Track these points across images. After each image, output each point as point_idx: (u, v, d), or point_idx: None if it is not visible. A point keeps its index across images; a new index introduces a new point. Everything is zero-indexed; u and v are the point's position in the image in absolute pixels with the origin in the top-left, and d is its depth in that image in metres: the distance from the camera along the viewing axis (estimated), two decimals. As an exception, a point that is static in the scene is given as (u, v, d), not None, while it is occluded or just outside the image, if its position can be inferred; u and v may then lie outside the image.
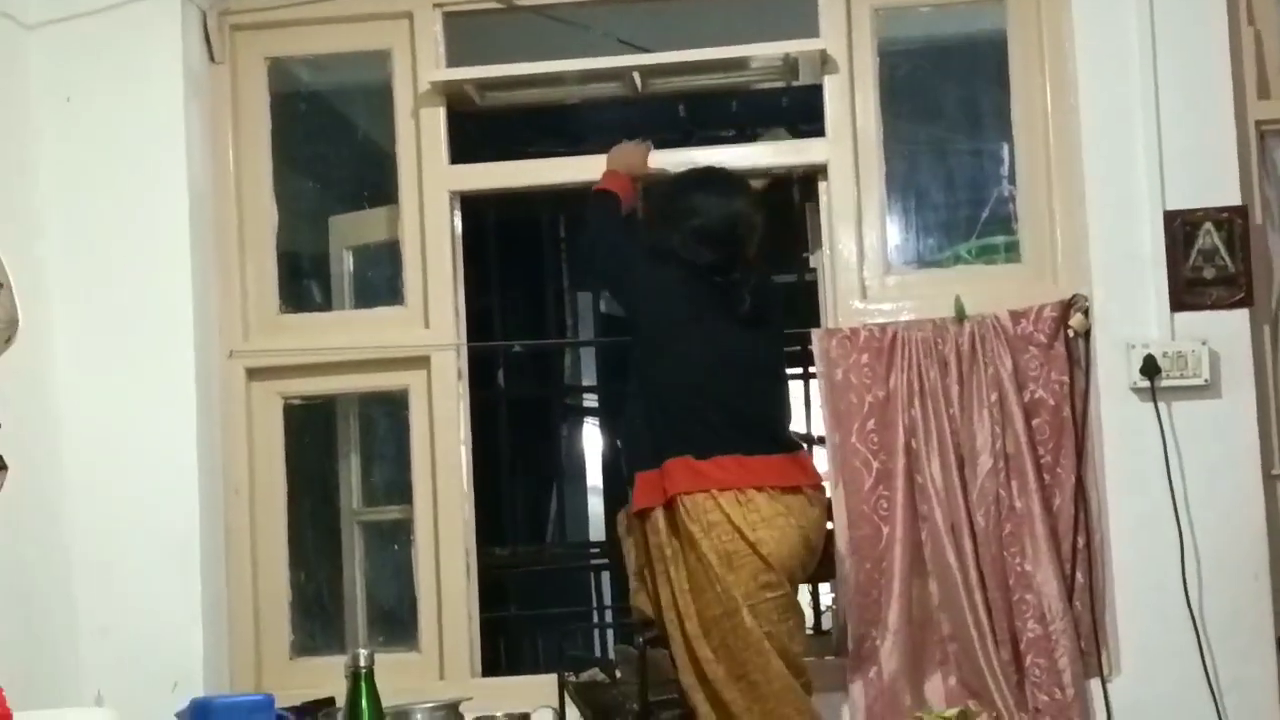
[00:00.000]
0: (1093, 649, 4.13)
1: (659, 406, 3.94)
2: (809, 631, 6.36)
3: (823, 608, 6.49)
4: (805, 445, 4.37)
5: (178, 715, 2.87)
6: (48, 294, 4.17)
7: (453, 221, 4.53)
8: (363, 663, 2.95)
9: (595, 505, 7.68)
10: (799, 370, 7.58)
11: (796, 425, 7.46)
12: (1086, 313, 4.18)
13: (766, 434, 3.99)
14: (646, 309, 4.03)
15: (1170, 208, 4.13)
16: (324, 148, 5.04)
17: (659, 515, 3.90)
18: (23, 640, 3.87)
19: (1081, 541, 4.15)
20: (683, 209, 4.04)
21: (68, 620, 4.14)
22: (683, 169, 4.25)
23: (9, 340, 3.52)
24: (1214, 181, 4.13)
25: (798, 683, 3.84)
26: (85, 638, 4.16)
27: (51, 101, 4.27)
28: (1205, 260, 4.11)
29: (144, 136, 4.29)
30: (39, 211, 4.21)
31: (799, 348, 4.74)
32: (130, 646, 4.13)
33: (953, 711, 4.03)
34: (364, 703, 2.93)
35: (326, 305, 4.89)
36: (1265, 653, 4.05)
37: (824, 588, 6.09)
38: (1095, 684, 4.12)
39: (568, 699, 4.13)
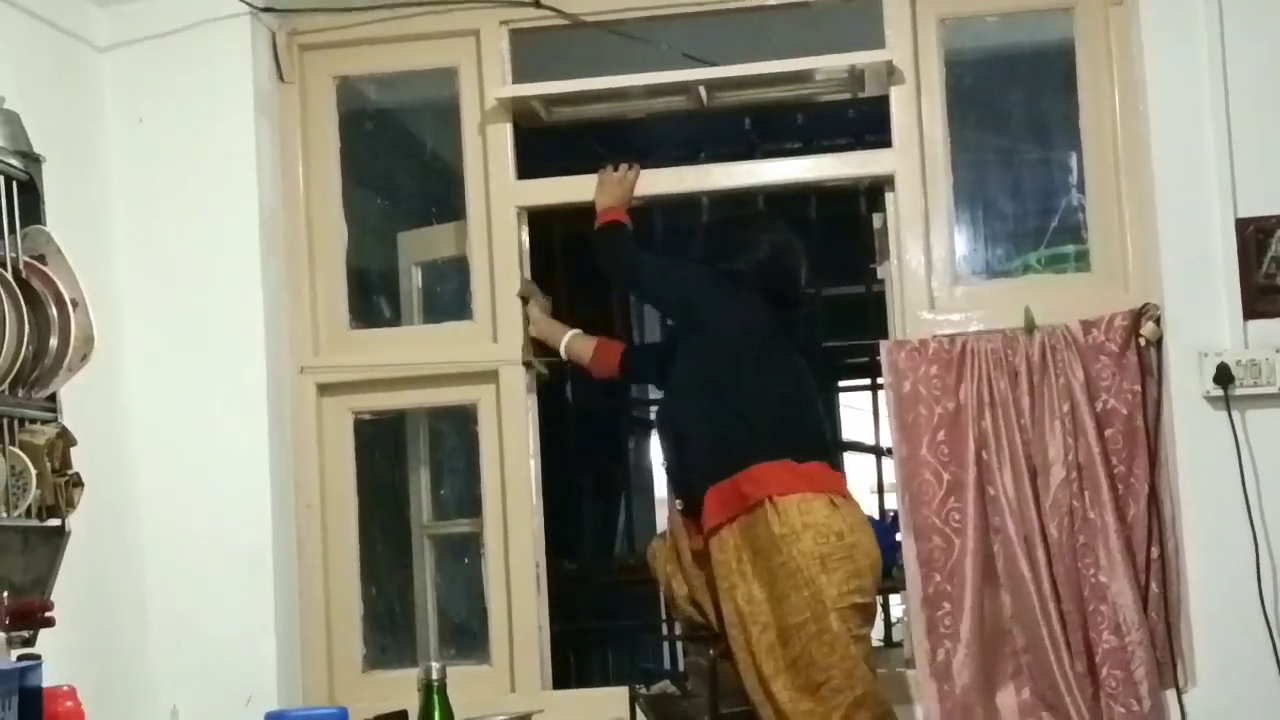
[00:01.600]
0: (1168, 659, 4.09)
1: (741, 415, 3.97)
2: (879, 644, 6.36)
3: (893, 619, 6.47)
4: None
5: (253, 729, 2.90)
6: (121, 312, 4.22)
7: (520, 236, 4.55)
8: (435, 675, 2.98)
9: (663, 517, 7.68)
10: (866, 381, 7.57)
11: (865, 436, 7.44)
12: (1158, 321, 4.15)
13: (831, 451, 4.08)
14: (729, 323, 4.07)
15: (1242, 214, 4.09)
16: (392, 164, 5.07)
17: (726, 531, 3.90)
18: (99, 655, 3.90)
19: (1156, 552, 4.11)
20: (762, 243, 4.18)
21: (142, 634, 4.18)
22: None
23: (85, 358, 3.56)
24: (1287, 188, 4.10)
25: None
26: (160, 652, 4.20)
27: (124, 123, 4.31)
28: (1278, 267, 4.07)
29: (215, 156, 4.33)
30: (112, 231, 4.26)
31: (866, 359, 4.73)
32: (204, 660, 4.16)
33: (1027, 724, 4.01)
34: (436, 715, 2.96)
35: (396, 320, 4.91)
36: (1343, 663, 4.01)
37: (894, 599, 6.07)
38: (1171, 695, 4.08)
39: (638, 711, 4.13)
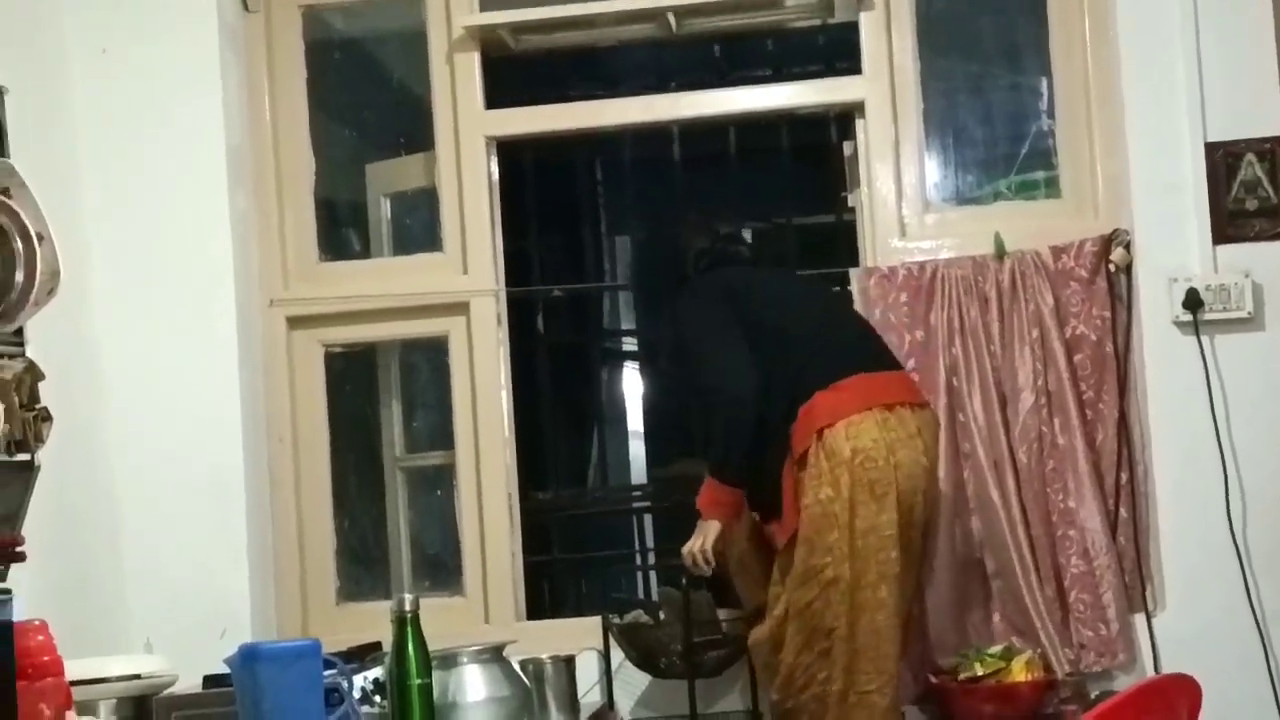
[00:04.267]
0: (1137, 584, 4.12)
1: (772, 373, 3.77)
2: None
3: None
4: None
5: (226, 661, 2.89)
6: (88, 246, 4.19)
7: (489, 167, 4.52)
8: (408, 607, 2.97)
9: (636, 449, 7.69)
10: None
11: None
12: (1128, 247, 4.15)
13: (876, 350, 3.91)
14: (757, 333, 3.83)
15: (1211, 139, 4.09)
16: (359, 95, 5.03)
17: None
18: (71, 589, 3.90)
19: (1125, 477, 4.14)
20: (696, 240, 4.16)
21: (115, 569, 4.17)
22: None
23: (52, 292, 3.51)
24: (1255, 112, 4.09)
25: (895, 641, 3.75)
26: (133, 586, 4.19)
27: (87, 53, 4.26)
28: (1247, 192, 4.07)
29: (180, 87, 4.29)
30: (77, 163, 4.22)
31: (837, 288, 4.72)
32: (178, 594, 4.16)
33: (997, 649, 4.04)
34: (410, 647, 2.95)
35: (365, 253, 4.89)
36: (1311, 585, 4.04)
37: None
38: (1140, 619, 4.12)
39: (612, 641, 4.15)
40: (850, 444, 3.67)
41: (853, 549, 3.68)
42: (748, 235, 6.39)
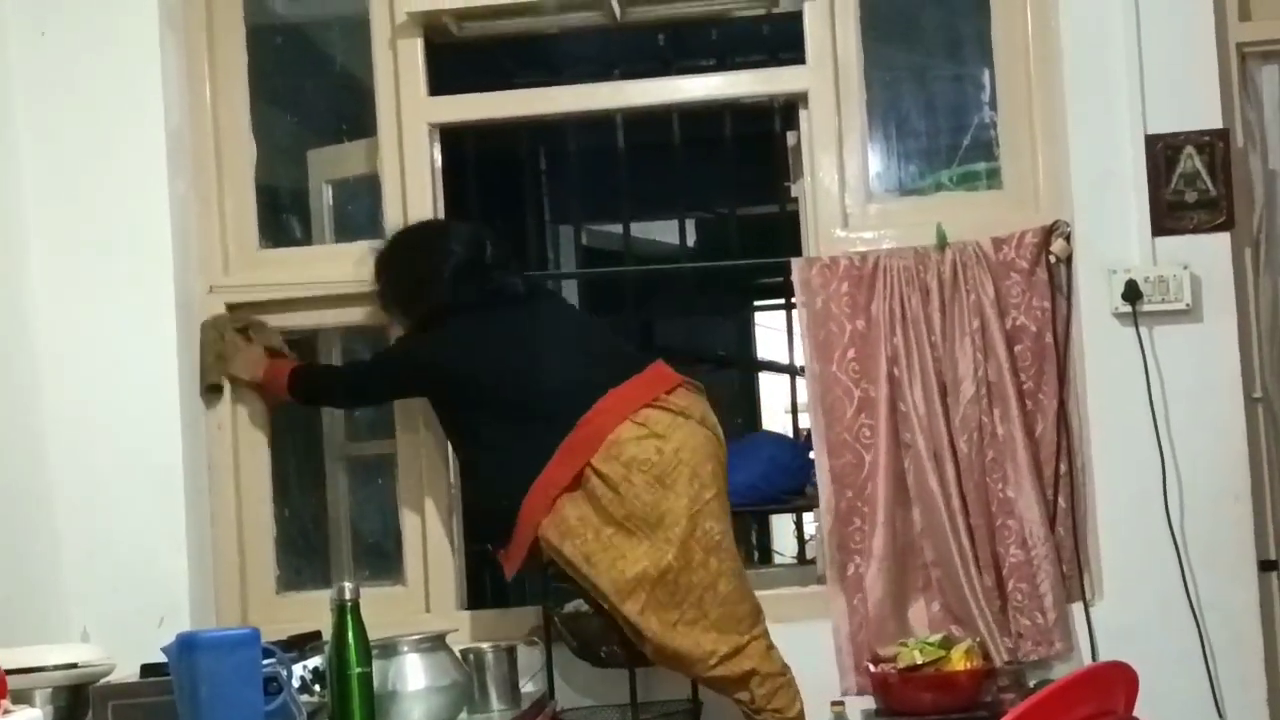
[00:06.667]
0: (1075, 573, 4.16)
1: (523, 416, 3.87)
2: (793, 561, 6.38)
3: (806, 537, 6.53)
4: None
5: (164, 650, 2.87)
6: (25, 230, 4.14)
7: (432, 154, 4.50)
8: (348, 596, 2.96)
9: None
10: (780, 301, 7.59)
11: (779, 355, 7.46)
12: (1068, 238, 4.18)
13: (619, 363, 3.95)
14: (449, 356, 3.98)
15: (1152, 131, 4.12)
16: (301, 80, 4.99)
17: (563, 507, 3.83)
18: (7, 576, 3.86)
19: (1064, 467, 4.17)
20: (423, 270, 4.10)
21: (52, 556, 4.13)
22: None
23: (-13, 277, 3.49)
24: (1196, 105, 4.13)
25: (747, 592, 3.86)
26: (70, 575, 4.15)
27: (26, 35, 4.21)
28: (1187, 184, 4.11)
29: (120, 70, 4.24)
30: (15, 147, 4.17)
31: (780, 279, 4.73)
32: (115, 583, 4.12)
33: (936, 637, 4.07)
34: (350, 635, 2.94)
35: (306, 239, 4.85)
36: (1246, 575, 4.08)
37: (807, 517, 6.11)
38: (1078, 608, 4.15)
39: (553, 630, 4.14)
40: (621, 459, 3.74)
41: (669, 539, 3.73)
42: (681, 226, 6.37)
